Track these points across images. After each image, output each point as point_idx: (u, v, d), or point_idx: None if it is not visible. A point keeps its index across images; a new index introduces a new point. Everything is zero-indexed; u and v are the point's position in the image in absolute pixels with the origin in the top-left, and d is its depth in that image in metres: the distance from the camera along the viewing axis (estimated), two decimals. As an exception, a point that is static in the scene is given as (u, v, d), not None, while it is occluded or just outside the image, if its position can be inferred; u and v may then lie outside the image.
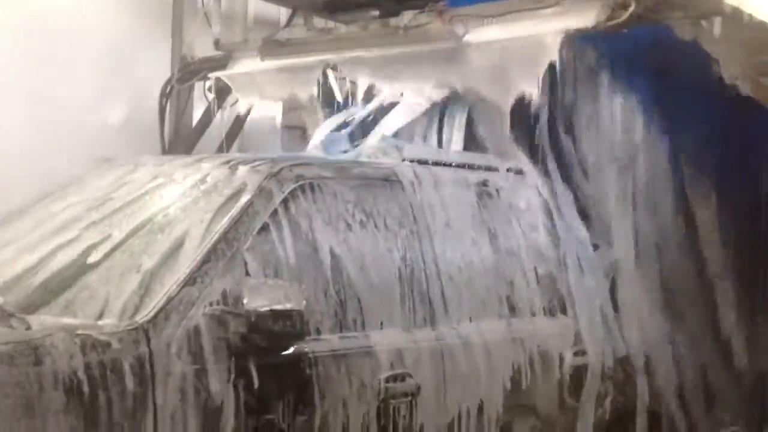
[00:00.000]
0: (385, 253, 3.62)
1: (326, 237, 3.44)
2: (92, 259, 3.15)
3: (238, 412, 2.99)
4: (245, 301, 3.01)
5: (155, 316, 2.90)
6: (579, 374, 4.15)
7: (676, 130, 4.82)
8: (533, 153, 4.47)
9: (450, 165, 4.16)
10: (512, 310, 4.00)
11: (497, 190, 4.21)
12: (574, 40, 4.30)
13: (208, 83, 5.92)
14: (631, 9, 4.09)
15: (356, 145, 4.30)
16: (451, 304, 3.76)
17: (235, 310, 3.02)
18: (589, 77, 4.54)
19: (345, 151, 4.28)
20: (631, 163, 4.63)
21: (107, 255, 3.17)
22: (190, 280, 3.01)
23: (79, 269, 3.14)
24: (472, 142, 4.57)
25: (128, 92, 6.37)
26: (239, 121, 6.23)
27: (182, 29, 6.15)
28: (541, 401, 3.99)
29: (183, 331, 2.93)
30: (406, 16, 4.77)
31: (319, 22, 5.86)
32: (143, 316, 2.89)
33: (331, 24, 5.75)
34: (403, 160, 4.02)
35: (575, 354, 4.15)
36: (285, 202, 3.38)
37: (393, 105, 4.70)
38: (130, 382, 2.77)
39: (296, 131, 6.14)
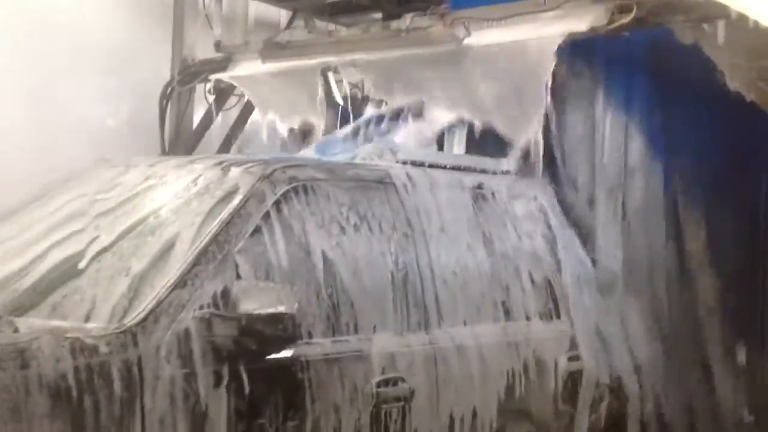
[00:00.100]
0: (379, 255, 3.60)
1: (319, 239, 3.41)
2: (82, 261, 3.13)
3: (228, 416, 2.97)
4: (235, 303, 2.99)
5: (144, 319, 2.87)
6: (574, 379, 4.12)
7: (672, 149, 4.80)
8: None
9: (445, 167, 4.13)
10: (507, 314, 3.98)
11: (492, 193, 4.18)
12: (566, 51, 4.30)
13: (208, 85, 5.90)
14: (633, 12, 4.06)
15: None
16: (445, 308, 3.73)
17: (225, 313, 2.99)
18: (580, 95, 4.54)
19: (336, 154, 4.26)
20: (621, 184, 4.60)
21: (97, 257, 3.15)
22: (181, 283, 2.99)
23: (69, 272, 3.11)
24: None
25: (129, 93, 6.38)
26: (239, 123, 6.24)
27: (183, 31, 6.13)
28: (535, 406, 3.96)
29: (172, 335, 2.90)
30: (408, 19, 4.74)
31: (320, 24, 5.86)
32: (132, 319, 2.86)
33: (332, 26, 5.74)
34: (398, 162, 3.99)
35: (570, 359, 4.12)
36: (278, 203, 3.36)
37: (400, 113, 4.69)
38: (117, 387, 2.74)
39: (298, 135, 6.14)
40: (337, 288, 3.39)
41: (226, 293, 3.03)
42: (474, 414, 3.69)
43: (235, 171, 3.44)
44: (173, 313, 2.93)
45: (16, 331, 2.77)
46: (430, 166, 4.08)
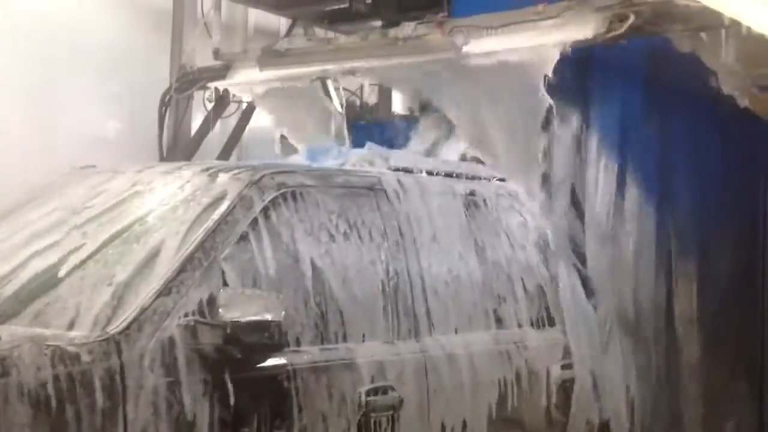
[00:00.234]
0: (369, 263, 3.56)
1: (308, 246, 3.38)
2: (66, 268, 3.09)
3: (212, 426, 2.92)
4: (221, 311, 2.94)
5: (127, 327, 2.83)
6: (566, 388, 4.08)
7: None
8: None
9: (437, 174, 4.09)
10: (498, 322, 3.94)
11: (485, 200, 4.14)
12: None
13: (207, 93, 5.88)
14: (630, 21, 4.04)
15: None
16: (436, 317, 3.69)
17: (209, 320, 2.95)
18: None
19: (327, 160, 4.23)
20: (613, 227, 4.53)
21: (81, 265, 3.11)
22: (165, 290, 2.95)
23: (52, 279, 3.07)
24: None
25: (128, 100, 6.37)
26: (238, 131, 6.22)
27: (182, 38, 6.12)
28: (528, 415, 3.91)
29: (156, 343, 2.86)
30: (406, 27, 4.72)
31: (318, 32, 5.84)
32: (115, 327, 2.82)
33: (331, 34, 5.72)
34: (389, 168, 3.96)
35: (562, 367, 4.08)
36: (266, 210, 3.32)
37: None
38: (100, 396, 2.70)
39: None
40: (325, 296, 3.35)
41: (211, 301, 2.98)
42: (465, 423, 3.65)
43: (222, 177, 3.40)
44: (157, 321, 2.89)
45: (-3, 339, 2.73)
46: (422, 173, 4.05)
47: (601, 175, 4.45)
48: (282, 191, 3.40)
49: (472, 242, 3.97)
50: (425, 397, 3.53)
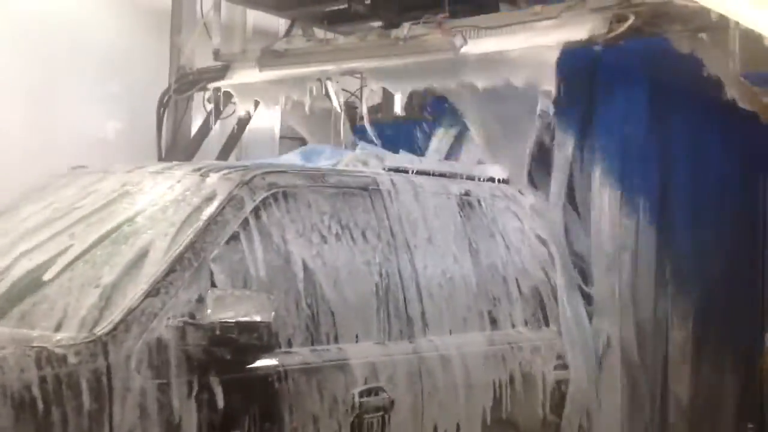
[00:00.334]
0: (362, 263, 3.53)
1: (299, 247, 3.35)
2: (53, 270, 3.06)
3: (200, 428, 2.90)
4: (209, 312, 2.92)
5: (114, 328, 2.81)
6: (561, 389, 4.05)
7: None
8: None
9: (432, 174, 4.07)
10: (493, 323, 3.90)
11: (479, 201, 4.11)
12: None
13: (206, 94, 5.87)
14: (630, 21, 4.01)
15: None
16: (430, 318, 3.66)
17: (198, 321, 2.92)
18: None
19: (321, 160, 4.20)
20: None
21: (69, 266, 3.08)
22: (153, 291, 2.93)
23: (39, 280, 3.05)
24: None
25: (127, 101, 6.34)
26: (237, 132, 6.20)
27: (181, 39, 6.10)
28: (522, 417, 3.88)
29: (144, 344, 2.83)
30: (406, 27, 4.70)
31: (318, 32, 5.82)
32: (102, 328, 2.80)
33: (330, 35, 5.70)
34: (383, 169, 3.93)
35: (556, 368, 4.05)
36: (256, 210, 3.29)
37: None
38: (86, 398, 2.68)
39: (296, 142, 6.12)
40: (317, 296, 3.32)
41: (200, 301, 2.96)
42: (458, 425, 3.62)
43: (213, 177, 3.38)
44: (145, 322, 2.86)
45: (-18, 340, 2.71)
46: (416, 173, 4.02)
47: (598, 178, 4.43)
48: (273, 191, 3.37)
49: (466, 242, 3.94)
50: (419, 399, 3.50)
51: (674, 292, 4.67)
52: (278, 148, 7.01)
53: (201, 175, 3.42)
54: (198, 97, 6.05)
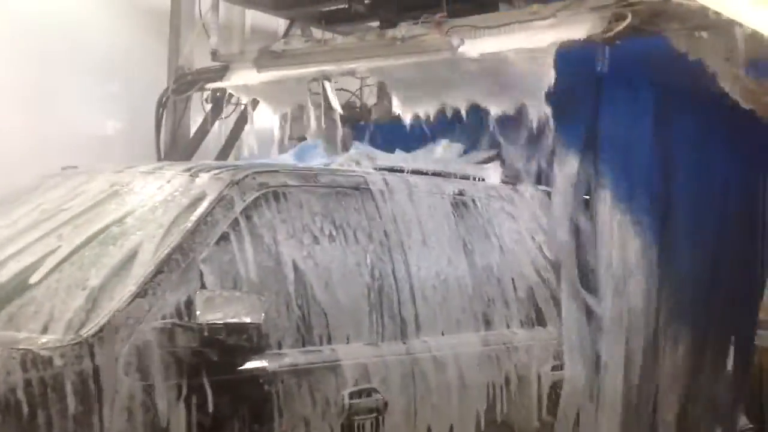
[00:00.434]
0: (354, 263, 3.50)
1: (290, 247, 3.32)
2: (40, 271, 3.03)
3: (189, 431, 2.87)
4: (198, 313, 2.90)
5: (101, 330, 2.78)
6: (557, 390, 4.02)
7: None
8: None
9: (425, 174, 4.04)
10: (487, 323, 3.87)
11: (473, 200, 4.08)
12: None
13: (205, 94, 5.85)
14: (628, 20, 3.97)
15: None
16: (423, 318, 3.63)
17: (186, 323, 2.90)
18: None
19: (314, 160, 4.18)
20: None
21: (56, 267, 3.05)
22: (141, 293, 2.90)
23: (26, 282, 3.02)
24: None
25: (126, 101, 6.35)
26: (236, 132, 6.18)
27: (179, 40, 6.09)
28: (517, 418, 3.85)
29: (131, 346, 2.81)
30: (404, 27, 4.67)
31: (316, 33, 5.80)
32: (89, 330, 2.77)
33: (328, 35, 5.68)
34: (376, 168, 3.91)
35: (553, 369, 4.02)
36: (247, 210, 3.27)
37: None
38: (72, 401, 2.65)
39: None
40: (308, 297, 3.30)
41: (189, 303, 2.93)
42: (452, 427, 3.59)
43: (203, 177, 3.35)
44: (133, 324, 2.84)
45: (-34, 343, 2.69)
46: (409, 172, 3.99)
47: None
48: (264, 191, 3.35)
49: (460, 242, 3.91)
50: (411, 400, 3.48)
51: (673, 303, 4.66)
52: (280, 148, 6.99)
53: (191, 176, 3.39)
54: (196, 97, 6.04)
